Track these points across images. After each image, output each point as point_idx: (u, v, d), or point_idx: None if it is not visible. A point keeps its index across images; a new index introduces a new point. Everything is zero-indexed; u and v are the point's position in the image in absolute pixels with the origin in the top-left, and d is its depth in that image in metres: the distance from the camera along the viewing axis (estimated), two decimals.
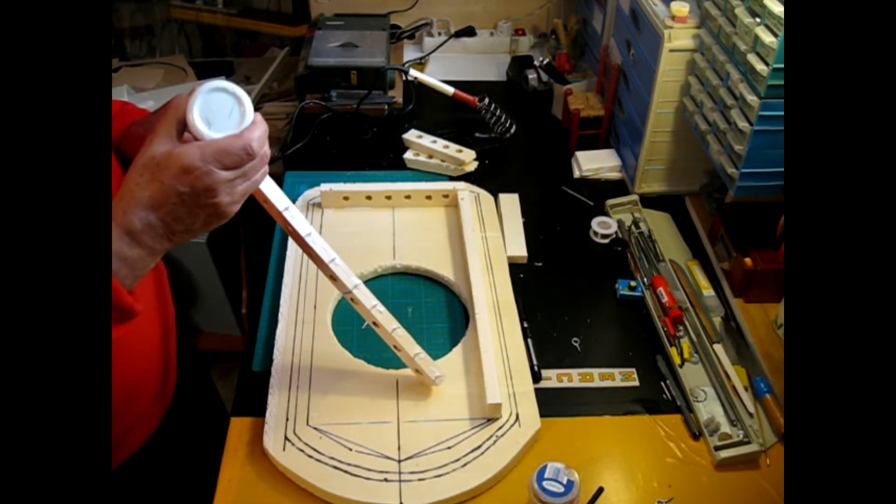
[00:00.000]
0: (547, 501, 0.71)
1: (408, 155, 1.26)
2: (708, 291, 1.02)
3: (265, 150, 0.64)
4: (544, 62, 1.43)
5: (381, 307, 0.81)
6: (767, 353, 0.94)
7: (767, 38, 0.85)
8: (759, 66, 0.86)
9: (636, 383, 0.91)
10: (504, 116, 1.30)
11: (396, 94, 1.42)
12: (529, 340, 0.95)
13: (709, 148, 1.01)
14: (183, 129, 0.62)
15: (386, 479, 0.77)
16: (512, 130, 1.30)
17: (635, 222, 1.13)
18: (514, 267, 1.06)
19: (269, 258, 1.07)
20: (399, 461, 0.79)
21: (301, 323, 0.93)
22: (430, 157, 1.25)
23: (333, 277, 0.78)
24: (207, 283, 1.69)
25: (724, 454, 0.81)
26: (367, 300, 0.80)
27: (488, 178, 1.23)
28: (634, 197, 1.17)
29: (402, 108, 1.40)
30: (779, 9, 0.84)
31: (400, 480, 0.77)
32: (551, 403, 0.87)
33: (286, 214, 0.72)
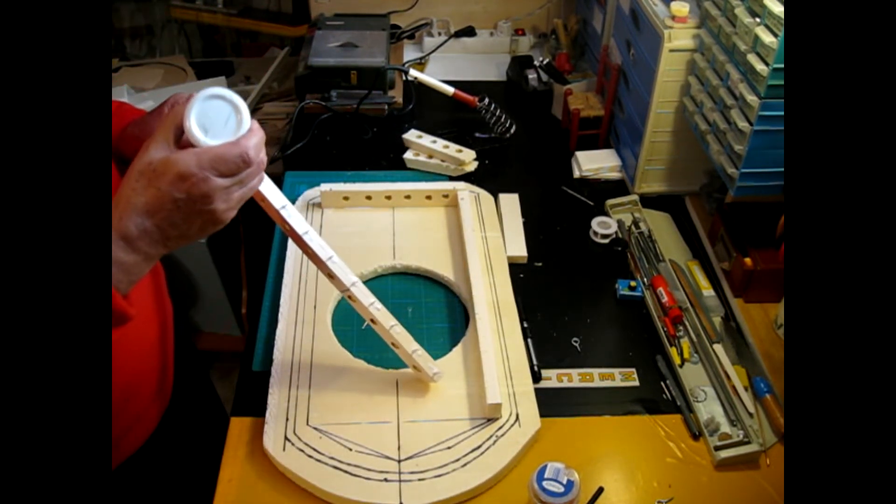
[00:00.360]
0: (547, 501, 0.71)
1: (408, 155, 1.26)
2: (708, 291, 1.02)
3: (262, 158, 0.65)
4: (544, 62, 1.43)
5: (379, 304, 0.81)
6: (767, 353, 0.94)
7: (767, 38, 0.85)
8: (759, 66, 0.86)
9: (636, 383, 0.91)
10: (504, 116, 1.30)
11: (396, 94, 1.42)
12: (529, 340, 0.95)
13: (709, 148, 1.01)
14: (180, 135, 0.62)
15: (386, 479, 0.77)
16: (512, 130, 1.30)
17: (635, 222, 1.13)
18: (514, 267, 1.06)
19: (269, 258, 1.07)
20: (399, 461, 0.79)
21: (301, 323, 0.93)
22: (430, 157, 1.25)
23: (331, 275, 0.78)
24: (207, 283, 1.69)
25: (724, 454, 0.81)
26: (365, 297, 0.80)
27: (488, 178, 1.23)
28: (634, 197, 1.17)
29: (402, 108, 1.40)
30: (779, 9, 0.84)
31: (400, 480, 0.77)
32: (551, 403, 0.87)
33: (283, 213, 0.72)
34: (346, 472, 0.78)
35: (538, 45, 1.63)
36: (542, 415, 0.84)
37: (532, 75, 1.43)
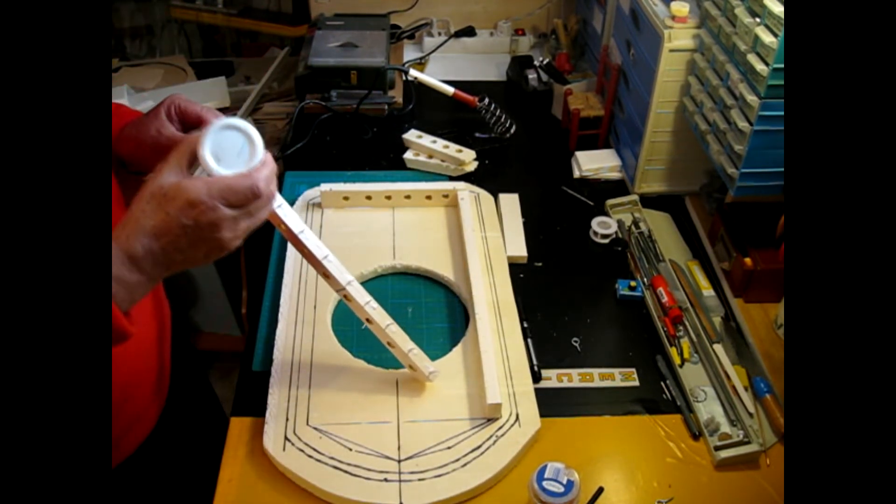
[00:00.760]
0: (547, 501, 0.71)
1: (408, 155, 1.26)
2: (708, 291, 1.02)
3: (271, 190, 0.66)
4: (544, 62, 1.43)
5: (375, 303, 0.81)
6: (767, 353, 0.94)
7: (767, 38, 0.85)
8: (759, 66, 0.86)
9: (636, 383, 0.91)
10: (504, 116, 1.30)
11: (396, 94, 1.42)
12: (529, 340, 0.95)
13: (709, 148, 1.01)
14: (193, 161, 0.63)
15: (386, 479, 0.77)
16: (512, 130, 1.30)
17: (635, 222, 1.13)
18: (514, 267, 1.06)
19: (269, 258, 1.07)
20: (399, 461, 0.79)
21: (301, 323, 0.93)
22: (430, 157, 1.25)
23: (327, 275, 0.78)
24: (207, 282, 1.69)
25: (724, 454, 0.81)
26: (361, 296, 0.80)
27: (488, 178, 1.23)
28: (634, 197, 1.17)
29: (402, 108, 1.40)
30: (779, 9, 0.84)
31: (400, 480, 0.77)
32: (551, 403, 0.87)
33: (279, 212, 0.72)
34: (346, 472, 0.78)
35: (538, 45, 1.63)
36: (542, 415, 0.84)
37: (532, 75, 1.43)
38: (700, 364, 0.93)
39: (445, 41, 1.59)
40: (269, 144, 1.42)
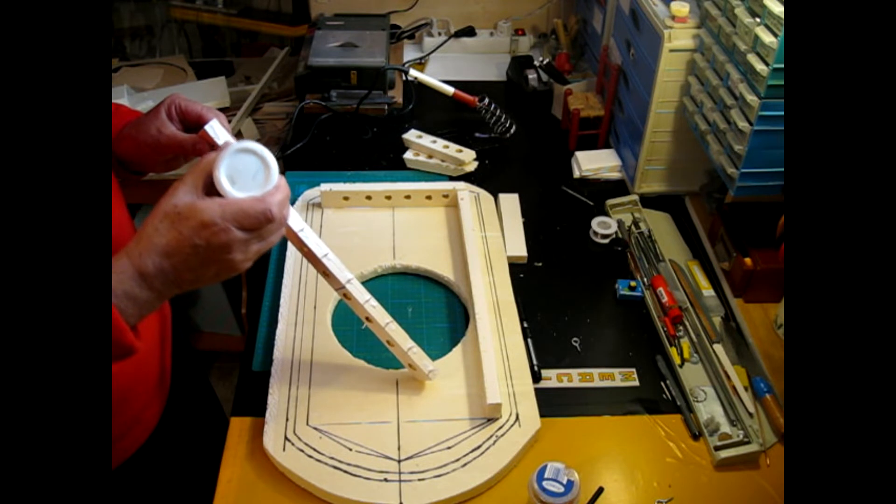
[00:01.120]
0: (547, 501, 0.71)
1: (408, 155, 1.26)
2: (708, 291, 1.02)
3: (284, 214, 0.67)
4: (544, 62, 1.43)
5: (374, 302, 0.81)
6: (767, 353, 0.94)
7: (767, 38, 0.85)
8: (759, 66, 0.86)
9: (636, 383, 0.91)
10: (504, 116, 1.30)
11: (396, 94, 1.42)
12: (529, 340, 0.95)
13: (709, 148, 1.01)
14: (209, 182, 0.64)
15: (386, 479, 0.77)
16: (512, 130, 1.30)
17: (635, 222, 1.13)
18: (514, 267, 1.06)
19: (269, 258, 1.07)
20: (399, 461, 0.79)
21: (301, 323, 0.93)
22: (430, 157, 1.25)
23: (326, 273, 0.78)
24: None
25: (724, 454, 0.81)
26: (361, 295, 0.80)
27: (488, 178, 1.23)
28: (634, 197, 1.17)
29: (402, 108, 1.40)
30: (779, 9, 0.84)
31: (400, 480, 0.77)
32: (551, 403, 0.87)
33: None
34: (346, 472, 0.78)
35: (538, 45, 1.63)
36: (542, 415, 0.84)
37: (532, 75, 1.43)
38: (700, 364, 0.93)
39: (445, 41, 1.59)
40: (269, 144, 1.42)
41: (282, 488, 0.78)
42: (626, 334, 0.98)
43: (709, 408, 0.87)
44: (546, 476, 0.73)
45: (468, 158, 1.23)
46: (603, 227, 1.08)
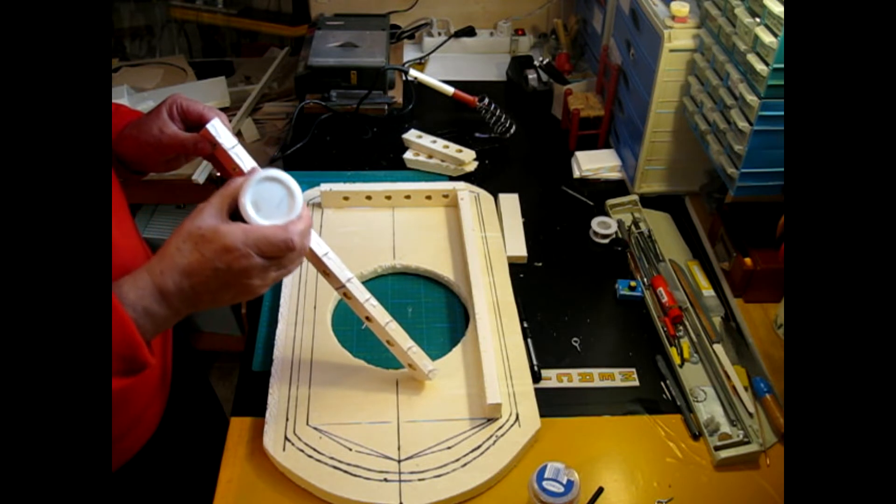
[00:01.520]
0: (547, 501, 0.71)
1: (408, 155, 1.26)
2: (708, 291, 1.02)
3: (305, 244, 0.68)
4: (544, 62, 1.43)
5: (374, 301, 0.81)
6: (767, 353, 0.94)
7: (767, 38, 0.85)
8: (759, 66, 0.86)
9: (636, 383, 0.91)
10: (504, 116, 1.30)
11: (396, 94, 1.42)
12: (529, 340, 0.95)
13: (709, 148, 1.01)
14: (234, 207, 0.65)
15: (386, 479, 0.77)
16: (512, 130, 1.30)
17: (635, 222, 1.13)
18: (514, 267, 1.06)
19: None
20: (399, 461, 0.79)
21: (301, 323, 0.93)
22: (430, 157, 1.25)
23: (326, 272, 0.78)
24: None
25: (723, 454, 0.81)
26: (361, 294, 0.80)
27: (488, 178, 1.23)
28: (634, 197, 1.17)
29: (402, 108, 1.40)
30: (779, 9, 0.84)
31: (400, 480, 0.77)
32: (551, 403, 0.87)
33: None
34: (346, 472, 0.78)
35: (538, 45, 1.63)
36: (542, 415, 0.84)
37: (532, 75, 1.43)
38: (700, 364, 0.93)
39: (445, 41, 1.59)
40: (269, 144, 1.42)
41: (282, 488, 0.78)
42: (626, 334, 0.98)
43: (709, 408, 0.87)
44: (546, 476, 0.73)
45: (468, 158, 1.23)
46: (603, 227, 1.08)
